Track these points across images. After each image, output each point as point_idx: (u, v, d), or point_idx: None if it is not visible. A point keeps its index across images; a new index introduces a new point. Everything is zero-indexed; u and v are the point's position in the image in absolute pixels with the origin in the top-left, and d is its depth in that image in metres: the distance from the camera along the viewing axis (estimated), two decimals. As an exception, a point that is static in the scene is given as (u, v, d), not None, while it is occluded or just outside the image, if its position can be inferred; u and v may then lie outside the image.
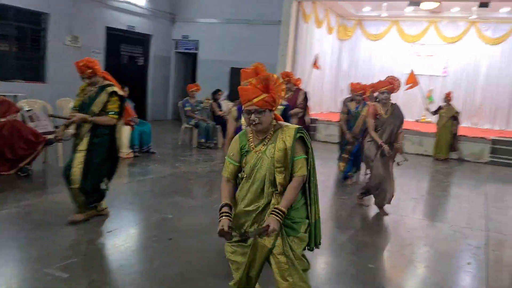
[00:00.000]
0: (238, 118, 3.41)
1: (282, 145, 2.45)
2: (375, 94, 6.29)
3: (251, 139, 2.56)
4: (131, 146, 7.80)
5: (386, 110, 5.27)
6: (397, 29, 15.30)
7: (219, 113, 9.80)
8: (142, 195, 5.66)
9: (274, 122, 2.53)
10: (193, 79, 14.56)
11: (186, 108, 9.49)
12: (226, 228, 2.38)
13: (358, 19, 15.80)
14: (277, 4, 12.37)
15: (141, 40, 13.44)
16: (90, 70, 4.27)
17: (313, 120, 12.49)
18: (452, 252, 4.52)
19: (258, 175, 2.49)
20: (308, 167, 2.52)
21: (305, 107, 6.82)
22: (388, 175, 5.35)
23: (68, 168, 4.29)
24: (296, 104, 6.49)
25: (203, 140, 9.36)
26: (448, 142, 10.23)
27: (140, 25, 12.92)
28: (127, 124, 7.80)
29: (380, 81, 5.47)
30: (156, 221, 4.67)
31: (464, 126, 12.03)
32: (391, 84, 5.16)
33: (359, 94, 6.78)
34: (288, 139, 2.46)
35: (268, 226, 2.35)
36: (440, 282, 3.72)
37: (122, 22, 12.29)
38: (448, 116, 10.19)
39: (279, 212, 2.39)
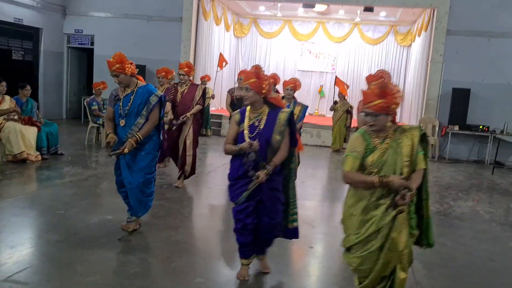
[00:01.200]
0: (240, 122, 3.35)
1: (409, 141, 2.70)
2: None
3: (374, 138, 2.78)
4: (39, 148, 7.34)
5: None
6: (289, 28, 16.20)
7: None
8: (69, 199, 5.43)
9: (390, 124, 2.76)
10: (89, 76, 13.92)
11: (93, 107, 9.14)
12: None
13: (253, 17, 16.38)
14: (177, 1, 12.37)
15: (30, 34, 12.47)
16: (187, 69, 5.58)
17: (219, 116, 12.80)
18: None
19: (386, 169, 2.69)
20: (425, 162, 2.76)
21: (203, 104, 6.27)
22: None
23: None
24: (193, 100, 6.05)
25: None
26: (343, 134, 11.20)
27: (28, 18, 11.97)
28: (33, 124, 7.36)
29: (370, 75, 5.44)
30: (98, 222, 4.57)
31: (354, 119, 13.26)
32: (381, 78, 5.28)
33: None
34: (415, 136, 2.71)
35: (400, 197, 2.58)
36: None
37: (8, 14, 11.31)
38: (343, 110, 11.17)
39: (411, 189, 2.61)
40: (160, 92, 4.32)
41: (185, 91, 6.09)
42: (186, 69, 6.02)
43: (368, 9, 12.47)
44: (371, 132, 2.79)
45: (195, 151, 6.24)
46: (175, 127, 6.03)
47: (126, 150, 4.04)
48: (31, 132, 7.18)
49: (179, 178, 6.30)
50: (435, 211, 6.04)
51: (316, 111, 16.00)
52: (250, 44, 16.88)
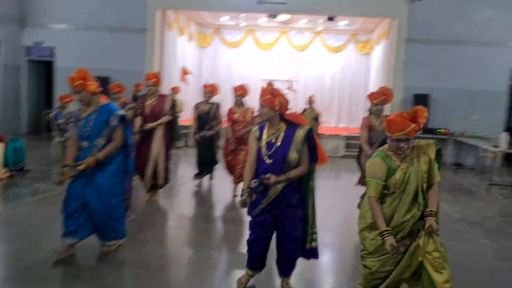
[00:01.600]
0: (259, 138, 3.35)
1: (427, 158, 2.86)
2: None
3: (394, 160, 2.93)
4: (6, 164, 7.07)
5: (380, 122, 5.18)
6: (252, 38, 16.35)
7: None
8: (47, 215, 5.26)
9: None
10: (49, 89, 13.52)
11: (60, 121, 8.89)
12: (395, 244, 2.78)
13: (216, 28, 16.43)
14: (140, 12, 12.25)
15: (-15, 47, 12.02)
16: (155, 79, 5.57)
17: (186, 127, 12.71)
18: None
19: (410, 187, 2.84)
20: None
21: (173, 114, 6.23)
22: None
23: None
24: (163, 111, 5.90)
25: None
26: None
27: (-17, 30, 11.56)
28: (0, 140, 7.10)
29: (373, 92, 5.33)
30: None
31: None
32: (384, 95, 5.16)
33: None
34: (432, 152, 2.87)
35: (430, 226, 2.80)
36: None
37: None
38: (311, 117, 11.35)
39: (433, 212, 2.86)
40: (121, 111, 4.05)
41: (154, 102, 5.91)
42: (154, 80, 5.87)
43: (330, 18, 12.79)
44: (390, 153, 2.96)
45: (167, 164, 6.09)
46: (140, 134, 5.85)
47: (81, 167, 3.76)
48: (-2, 148, 6.92)
49: (149, 191, 6.12)
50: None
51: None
52: (213, 54, 16.89)
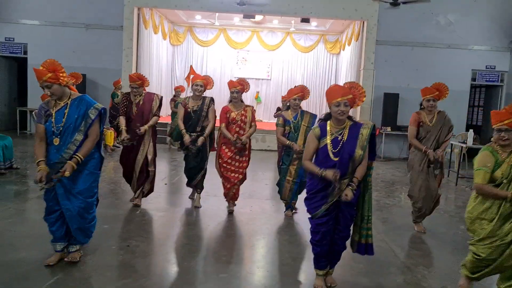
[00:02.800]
0: (321, 137, 3.39)
1: None
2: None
3: (500, 153, 3.34)
4: (-5, 162, 7.06)
5: (432, 118, 5.14)
6: (225, 37, 16.60)
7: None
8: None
9: None
10: (21, 86, 13.29)
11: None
12: None
13: (188, 26, 16.57)
14: (116, 9, 12.28)
15: (-45, 42, 11.71)
16: (140, 81, 5.05)
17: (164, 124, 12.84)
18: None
19: None
20: None
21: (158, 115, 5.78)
22: (434, 188, 5.22)
23: None
24: (152, 111, 5.63)
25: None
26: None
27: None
28: (-12, 139, 7.06)
29: (426, 88, 5.18)
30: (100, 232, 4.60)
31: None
32: (438, 91, 5.08)
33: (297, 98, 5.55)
34: None
35: None
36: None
37: None
38: None
39: None
40: (100, 105, 3.78)
41: (140, 102, 5.62)
42: (139, 82, 5.55)
43: (305, 20, 13.24)
44: (497, 147, 3.37)
45: (154, 167, 5.80)
46: (133, 142, 5.57)
47: (67, 173, 3.50)
48: (-13, 147, 6.90)
49: (137, 195, 5.82)
50: (391, 204, 6.78)
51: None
52: (186, 52, 17.03)
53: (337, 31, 15.99)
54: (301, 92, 5.52)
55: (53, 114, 3.60)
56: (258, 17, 14.01)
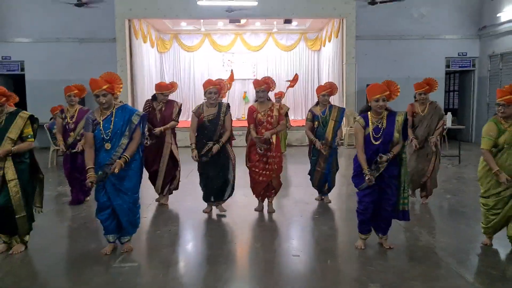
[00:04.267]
0: (366, 126, 4.10)
1: None
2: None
3: (503, 123, 4.18)
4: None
5: (424, 108, 5.80)
6: (209, 41, 17.24)
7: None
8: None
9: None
10: (20, 102, 13.71)
11: (54, 131, 9.42)
12: (509, 178, 4.07)
13: (174, 33, 17.16)
14: (107, 23, 12.83)
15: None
16: (4, 98, 4.19)
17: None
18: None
19: None
20: None
21: (177, 120, 6.23)
22: (421, 168, 5.95)
23: (4, 200, 4.16)
24: (172, 117, 6.11)
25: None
26: (285, 136, 11.50)
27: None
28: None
29: (418, 83, 5.81)
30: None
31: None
32: (428, 85, 5.75)
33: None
34: None
35: None
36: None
37: None
38: (283, 114, 12.21)
39: None
40: (141, 111, 4.26)
41: (163, 108, 6.08)
42: (168, 91, 6.04)
43: (287, 21, 14.02)
44: (500, 119, 4.17)
45: (179, 165, 6.27)
46: (152, 141, 5.97)
47: (116, 170, 3.98)
48: None
49: (164, 195, 6.27)
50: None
51: (243, 116, 17.22)
52: (173, 58, 17.58)
53: (316, 29, 16.79)
54: (330, 88, 5.98)
55: (101, 123, 4.06)
56: (243, 21, 14.72)
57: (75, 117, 6.26)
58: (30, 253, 4.39)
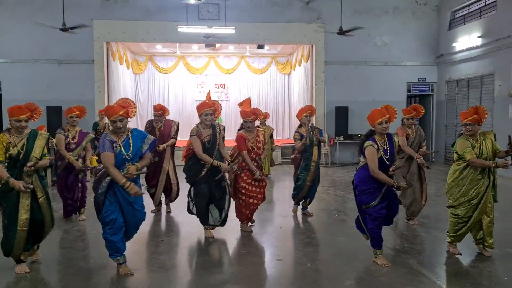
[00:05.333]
0: (378, 149, 4.48)
1: (490, 140, 4.78)
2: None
3: (472, 140, 4.74)
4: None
5: (412, 130, 6.35)
6: (184, 63, 17.79)
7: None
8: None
9: (480, 130, 4.79)
10: (-3, 121, 13.81)
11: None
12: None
13: (149, 55, 17.63)
14: (86, 45, 13.19)
15: None
16: (29, 113, 4.43)
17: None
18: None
19: (483, 157, 4.70)
20: None
21: (176, 137, 7.03)
22: (421, 187, 6.39)
23: (39, 215, 4.42)
24: (171, 135, 6.92)
25: (55, 178, 9.69)
26: (270, 158, 11.09)
27: None
28: None
29: (407, 109, 6.34)
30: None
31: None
32: (415, 111, 6.31)
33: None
34: (492, 136, 4.81)
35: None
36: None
37: None
38: (268, 135, 10.83)
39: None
40: (151, 136, 4.50)
41: (162, 127, 6.94)
42: (160, 111, 6.88)
43: (260, 46, 14.80)
44: (468, 136, 4.78)
45: (177, 179, 7.03)
46: (156, 159, 6.68)
47: (144, 171, 4.52)
48: None
49: (165, 204, 7.20)
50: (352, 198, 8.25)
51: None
52: (147, 79, 18.02)
53: (287, 53, 17.64)
54: (309, 109, 6.71)
55: (121, 145, 4.21)
56: (218, 45, 15.38)
57: (76, 137, 6.52)
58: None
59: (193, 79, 18.06)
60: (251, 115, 5.68)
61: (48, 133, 4.62)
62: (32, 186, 4.26)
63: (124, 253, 4.42)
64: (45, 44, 13.19)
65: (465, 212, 4.79)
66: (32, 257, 4.70)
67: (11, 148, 4.27)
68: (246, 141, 5.70)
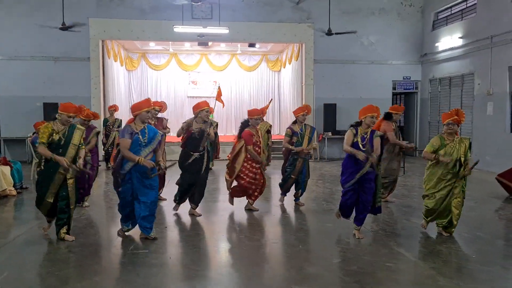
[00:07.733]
0: (356, 134, 5.27)
1: (464, 145, 5.37)
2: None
3: (446, 140, 5.38)
4: (14, 184, 8.29)
5: (395, 125, 7.49)
6: (176, 60, 18.19)
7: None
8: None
9: (459, 134, 5.52)
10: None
11: (37, 145, 10.04)
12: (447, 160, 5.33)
13: (141, 52, 18.00)
14: (82, 43, 13.56)
15: None
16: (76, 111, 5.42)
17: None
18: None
19: (453, 157, 5.30)
20: None
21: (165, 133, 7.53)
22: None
23: (65, 193, 5.25)
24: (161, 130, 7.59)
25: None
26: (267, 153, 11.27)
27: None
28: (7, 164, 8.31)
29: (396, 106, 7.35)
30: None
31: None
32: (398, 111, 7.76)
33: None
34: (467, 142, 5.40)
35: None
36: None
37: None
38: (265, 130, 10.87)
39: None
40: (161, 132, 5.52)
41: (154, 123, 7.36)
42: (159, 107, 7.59)
43: (251, 45, 15.30)
44: (445, 135, 5.39)
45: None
46: None
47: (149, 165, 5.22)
48: (7, 171, 8.14)
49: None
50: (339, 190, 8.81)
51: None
52: (140, 76, 18.40)
53: (277, 51, 18.15)
54: (306, 109, 7.32)
55: (139, 133, 5.18)
56: (210, 43, 15.83)
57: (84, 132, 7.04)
58: (58, 244, 5.23)
59: (185, 76, 18.46)
60: (260, 113, 6.80)
61: (84, 128, 5.56)
62: (78, 169, 5.22)
63: (130, 227, 5.45)
64: (42, 42, 13.51)
65: (434, 204, 5.47)
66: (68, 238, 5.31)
67: (54, 134, 5.13)
68: (253, 136, 6.65)
